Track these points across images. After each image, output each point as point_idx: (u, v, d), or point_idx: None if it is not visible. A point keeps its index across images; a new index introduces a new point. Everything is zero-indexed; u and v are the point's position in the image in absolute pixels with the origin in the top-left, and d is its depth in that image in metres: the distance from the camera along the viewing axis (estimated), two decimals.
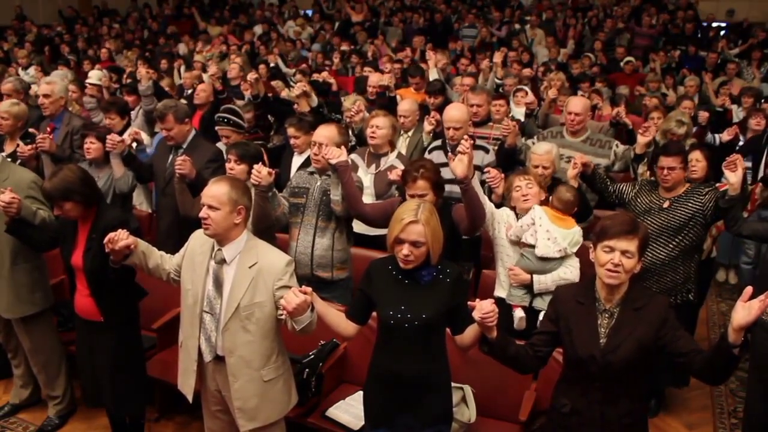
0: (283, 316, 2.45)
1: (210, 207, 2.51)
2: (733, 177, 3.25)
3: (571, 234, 3.24)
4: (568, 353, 2.33)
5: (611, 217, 2.31)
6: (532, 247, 3.19)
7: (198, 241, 2.68)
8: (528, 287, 3.20)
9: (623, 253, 2.17)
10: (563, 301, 2.37)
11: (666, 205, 3.44)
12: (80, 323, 3.11)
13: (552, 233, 3.18)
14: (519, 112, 5.87)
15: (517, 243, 3.27)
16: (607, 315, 2.27)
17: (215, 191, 2.52)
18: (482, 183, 3.65)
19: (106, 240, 2.59)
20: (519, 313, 3.20)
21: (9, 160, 4.04)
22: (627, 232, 2.17)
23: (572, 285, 2.72)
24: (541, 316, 3.14)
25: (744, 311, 1.94)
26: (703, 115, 5.71)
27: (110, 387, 3.06)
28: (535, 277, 3.17)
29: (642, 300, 2.25)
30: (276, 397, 2.67)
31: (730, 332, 1.98)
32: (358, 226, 3.72)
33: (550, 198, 3.35)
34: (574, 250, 3.24)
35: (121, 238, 2.59)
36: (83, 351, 3.15)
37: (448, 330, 2.51)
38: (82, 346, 3.16)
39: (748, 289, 1.97)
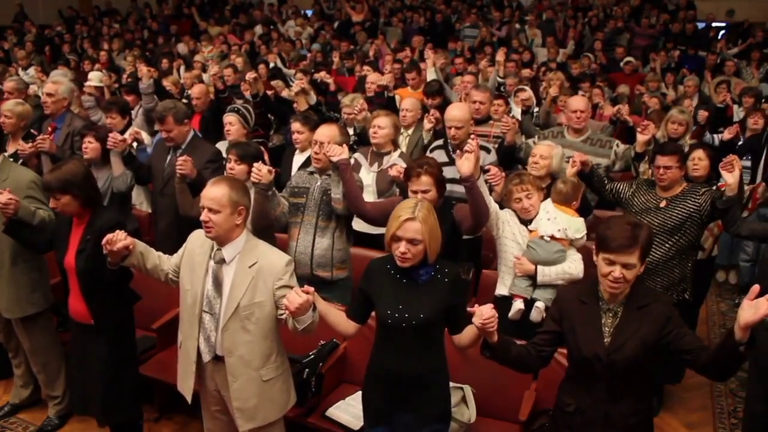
0: (284, 316, 2.45)
1: (210, 210, 2.48)
2: (730, 177, 3.26)
3: (575, 221, 3.27)
4: (572, 353, 2.32)
5: (612, 225, 2.19)
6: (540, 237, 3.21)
7: (197, 241, 2.67)
8: (532, 279, 3.20)
9: (624, 266, 2.15)
10: (567, 301, 2.36)
11: (663, 204, 3.44)
12: (74, 326, 3.07)
13: (552, 213, 3.23)
14: (519, 112, 5.86)
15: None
16: (610, 314, 2.27)
17: (215, 194, 2.49)
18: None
19: (104, 241, 2.57)
20: (518, 305, 3.20)
21: (11, 159, 4.03)
22: (627, 246, 2.13)
23: (576, 284, 2.72)
24: (534, 307, 3.17)
25: (751, 309, 1.93)
26: (703, 114, 5.71)
27: (100, 395, 3.00)
28: (539, 267, 3.17)
29: (646, 299, 2.25)
30: (275, 397, 2.67)
31: (736, 330, 1.98)
32: (359, 225, 3.71)
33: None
34: (578, 236, 3.25)
35: (119, 239, 2.57)
36: (76, 355, 3.10)
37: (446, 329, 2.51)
38: (74, 349, 3.12)
39: (755, 288, 1.96)
